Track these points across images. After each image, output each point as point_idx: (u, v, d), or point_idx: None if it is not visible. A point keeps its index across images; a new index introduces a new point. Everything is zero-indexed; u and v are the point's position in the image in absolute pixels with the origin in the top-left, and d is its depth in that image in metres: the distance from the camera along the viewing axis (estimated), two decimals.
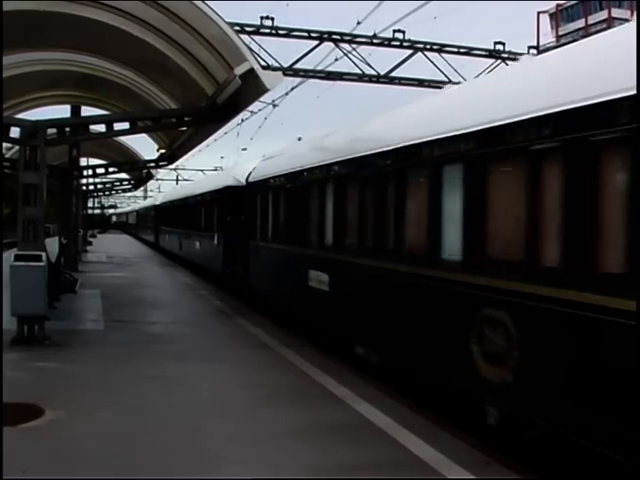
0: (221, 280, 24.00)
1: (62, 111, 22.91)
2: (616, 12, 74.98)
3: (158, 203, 50.58)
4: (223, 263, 23.05)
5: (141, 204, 79.63)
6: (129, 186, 47.58)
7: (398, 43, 25.29)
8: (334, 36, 24.78)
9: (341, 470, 6.73)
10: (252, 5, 33.26)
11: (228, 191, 23.01)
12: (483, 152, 8.17)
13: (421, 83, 26.29)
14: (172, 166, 42.86)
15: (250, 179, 20.40)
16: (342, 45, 24.85)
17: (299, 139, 20.35)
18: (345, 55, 24.97)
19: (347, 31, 24.75)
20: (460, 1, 32.48)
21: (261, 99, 16.15)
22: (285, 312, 16.29)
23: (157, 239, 49.08)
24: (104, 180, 44.19)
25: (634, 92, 5.84)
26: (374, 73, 25.88)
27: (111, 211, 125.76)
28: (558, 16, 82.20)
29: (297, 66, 25.08)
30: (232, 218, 22.47)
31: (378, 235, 11.14)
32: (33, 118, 14.12)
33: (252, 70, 11.02)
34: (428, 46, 25.74)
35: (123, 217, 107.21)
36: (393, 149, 10.62)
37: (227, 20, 11.10)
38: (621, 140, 6.08)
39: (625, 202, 6.03)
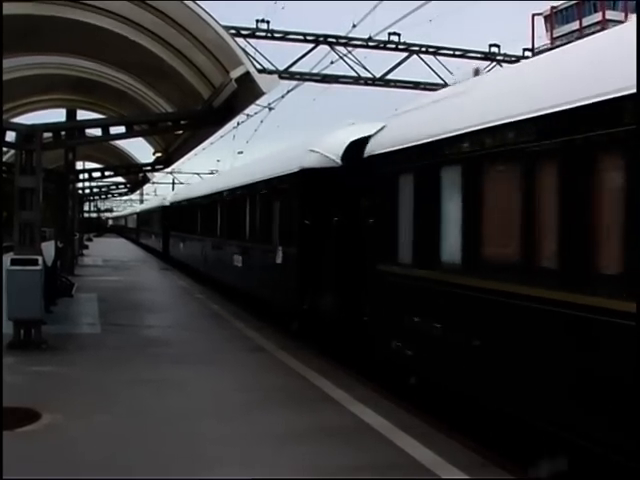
0: (290, 318, 15.24)
1: (58, 115, 22.96)
2: (610, 14, 75.18)
3: (168, 203, 41.31)
4: (298, 294, 14.45)
5: (144, 205, 71.18)
6: (125, 190, 47.52)
7: (393, 46, 25.35)
8: (330, 39, 24.84)
9: (338, 472, 6.73)
10: (247, 8, 33.30)
11: (306, 177, 14.48)
12: None
13: (416, 85, 26.35)
14: (168, 169, 42.95)
15: (371, 151, 11.47)
16: (338, 48, 24.92)
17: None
18: (341, 58, 25.03)
19: (343, 34, 24.85)
20: (456, 1, 32.38)
21: (257, 102, 16.12)
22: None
23: (166, 248, 39.79)
24: (100, 184, 44.13)
25: None
26: (370, 76, 25.94)
27: (107, 214, 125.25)
28: (553, 18, 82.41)
29: (293, 69, 25.14)
30: (314, 221, 14.12)
31: None
32: (29, 122, 14.12)
33: (248, 73, 11.04)
34: (423, 49, 25.82)
35: (121, 220, 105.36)
36: None
37: (222, 23, 11.14)
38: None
39: None
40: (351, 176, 12.87)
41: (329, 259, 13.80)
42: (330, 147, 14.22)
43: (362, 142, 12.34)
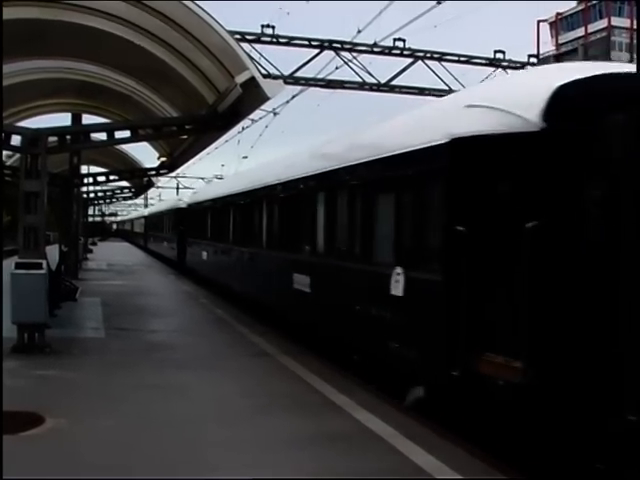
0: (410, 381, 9.95)
1: (63, 119, 22.96)
2: (616, 20, 75.27)
3: (184, 205, 35.87)
4: (443, 350, 8.66)
5: (153, 208, 65.88)
6: (130, 194, 47.62)
7: (398, 51, 25.42)
8: (335, 44, 24.90)
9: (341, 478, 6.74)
10: (253, 13, 33.37)
11: (462, 153, 8.57)
12: None
13: (421, 91, 26.38)
14: (173, 174, 42.98)
15: None
16: (343, 53, 24.97)
17: None
18: (346, 63, 25.08)
19: (348, 39, 24.88)
20: (462, 1, 32.45)
21: (262, 107, 16.05)
22: None
23: (182, 257, 34.32)
24: (105, 188, 44.24)
25: None
26: (374, 81, 25.98)
27: (112, 218, 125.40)
28: (558, 25, 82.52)
29: (298, 74, 25.19)
30: (477, 228, 8.30)
31: None
32: (34, 126, 14.14)
33: (253, 79, 11.06)
34: (428, 55, 25.89)
35: (127, 225, 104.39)
36: None
37: (228, 28, 11.15)
38: None
39: None
40: (567, 147, 7.64)
41: (515, 293, 7.86)
42: (510, 99, 8.38)
43: (594, 84, 7.96)
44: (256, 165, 24.00)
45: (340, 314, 12.29)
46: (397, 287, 9.93)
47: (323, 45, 24.91)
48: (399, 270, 9.92)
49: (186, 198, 37.95)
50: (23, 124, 18.21)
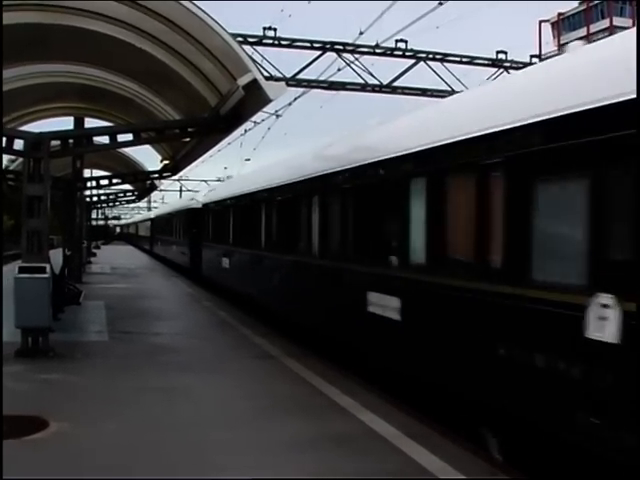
0: None
1: (65, 123, 22.99)
2: (617, 21, 75.25)
3: (199, 205, 32.02)
4: None
5: (161, 209, 62.55)
6: (133, 197, 47.60)
7: (401, 53, 25.40)
8: (337, 46, 24.91)
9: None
10: (255, 16, 33.43)
11: None
12: None
13: (424, 92, 26.36)
14: (176, 177, 42.96)
15: None
16: (345, 55, 24.97)
17: None
18: (348, 65, 25.08)
19: (350, 41, 24.86)
20: (465, 1, 32.38)
21: (264, 109, 16.00)
22: None
23: (196, 264, 30.88)
24: (108, 191, 44.21)
25: None
26: (377, 83, 25.98)
27: (115, 222, 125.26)
28: (560, 25, 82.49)
29: (300, 76, 25.19)
30: None
31: None
32: (36, 130, 14.15)
33: (255, 81, 11.06)
34: (430, 55, 25.87)
35: (131, 228, 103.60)
36: None
37: (230, 31, 11.15)
38: None
39: None
40: None
41: None
42: None
43: None
44: (297, 152, 19.46)
45: (463, 358, 8.64)
46: (603, 327, 6.25)
47: (325, 47, 24.92)
48: (607, 300, 6.24)
49: (200, 197, 33.88)
50: (25, 128, 18.22)
